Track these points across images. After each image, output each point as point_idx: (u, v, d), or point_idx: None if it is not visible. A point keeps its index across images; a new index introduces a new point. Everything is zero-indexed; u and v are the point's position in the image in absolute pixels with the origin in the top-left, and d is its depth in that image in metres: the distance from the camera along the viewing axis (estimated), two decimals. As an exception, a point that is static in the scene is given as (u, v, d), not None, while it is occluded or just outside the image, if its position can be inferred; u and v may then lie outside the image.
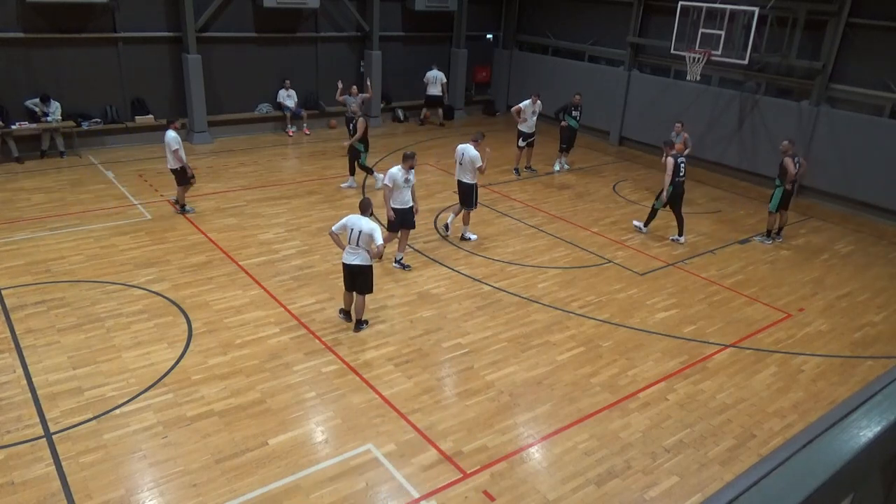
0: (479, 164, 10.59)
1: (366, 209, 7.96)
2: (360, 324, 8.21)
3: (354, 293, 8.09)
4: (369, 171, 13.33)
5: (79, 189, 12.40)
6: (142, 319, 8.13)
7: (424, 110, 19.30)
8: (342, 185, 13.38)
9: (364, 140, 12.91)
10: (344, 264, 7.96)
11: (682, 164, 11.28)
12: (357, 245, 7.77)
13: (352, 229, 7.75)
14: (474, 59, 20.15)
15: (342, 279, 8.16)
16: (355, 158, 13.12)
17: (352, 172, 13.34)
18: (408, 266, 9.98)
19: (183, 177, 11.29)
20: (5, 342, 7.50)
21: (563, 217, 12.48)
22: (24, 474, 5.61)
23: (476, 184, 10.92)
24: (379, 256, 8.20)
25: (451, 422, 6.63)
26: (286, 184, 13.45)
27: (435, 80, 18.76)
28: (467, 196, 10.89)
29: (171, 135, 10.97)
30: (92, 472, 5.68)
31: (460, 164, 10.81)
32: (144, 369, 7.15)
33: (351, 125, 13.31)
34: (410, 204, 9.62)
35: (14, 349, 7.37)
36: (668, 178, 11.09)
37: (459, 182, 10.93)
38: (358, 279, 7.97)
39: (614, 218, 12.66)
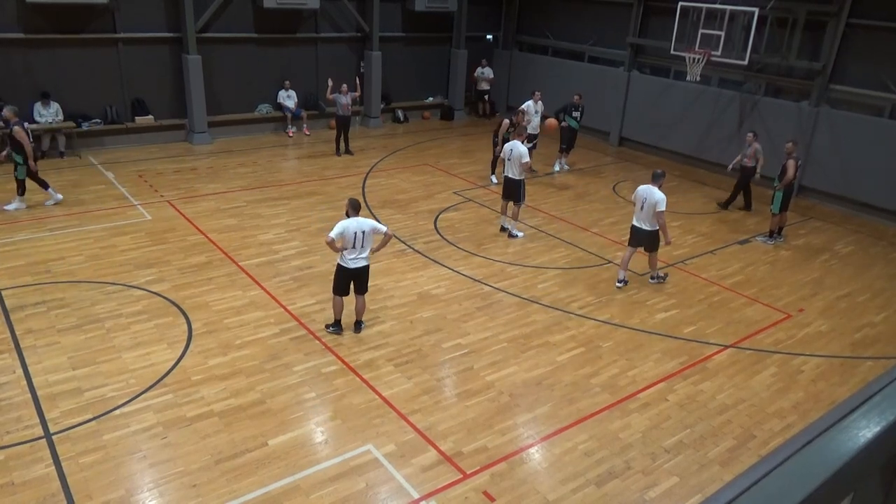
0: (526, 160, 10.97)
1: (358, 208, 7.72)
2: (360, 324, 8.18)
3: (355, 296, 7.97)
4: (43, 184, 11.34)
5: (79, 189, 12.40)
6: (142, 320, 8.13)
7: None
8: (6, 207, 11.13)
9: (22, 151, 10.86)
10: (347, 270, 7.70)
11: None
12: (363, 246, 7.63)
13: (355, 232, 7.51)
14: (474, 60, 20.13)
15: (334, 286, 7.91)
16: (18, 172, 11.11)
17: (21, 192, 11.24)
18: (662, 278, 9.98)
19: None
20: (5, 343, 7.50)
21: (563, 217, 12.47)
22: (24, 475, 5.61)
23: (524, 179, 11.22)
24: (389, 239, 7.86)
25: (450, 422, 6.63)
26: (286, 184, 13.45)
27: (482, 75, 19.92)
28: (515, 191, 11.21)
29: None
30: (92, 473, 5.68)
31: (508, 160, 11.11)
32: (144, 370, 7.15)
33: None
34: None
35: (14, 350, 7.37)
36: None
37: (507, 178, 11.25)
38: (360, 280, 7.88)
39: (614, 218, 12.66)
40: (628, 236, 9.85)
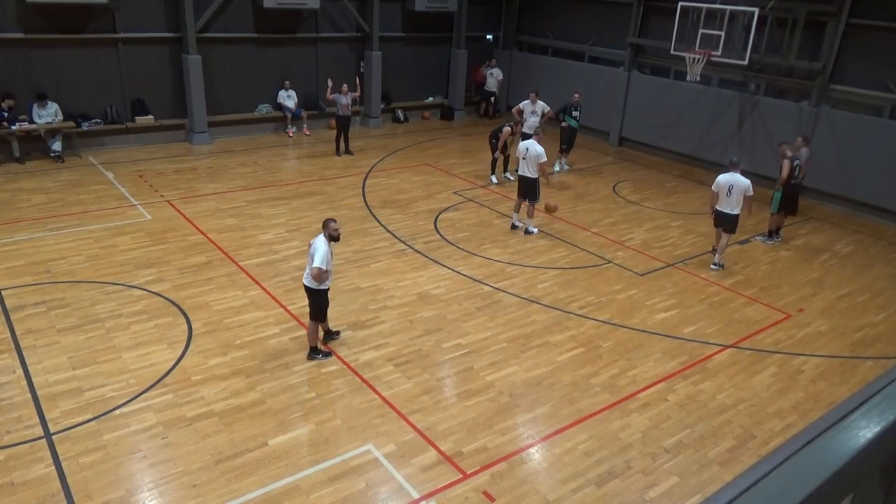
0: (543, 160, 11.08)
1: (324, 227, 7.21)
2: (312, 351, 7.52)
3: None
4: None
5: (79, 189, 12.40)
6: (142, 320, 8.13)
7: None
8: None
9: None
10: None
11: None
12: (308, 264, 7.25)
13: (308, 247, 7.30)
14: (474, 60, 20.14)
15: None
16: None
17: None
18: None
19: None
20: (5, 343, 7.50)
21: (563, 217, 12.47)
22: (24, 475, 5.61)
23: (539, 178, 11.33)
24: (317, 280, 7.07)
25: (450, 422, 6.63)
26: (286, 184, 13.45)
27: (491, 75, 19.97)
28: (531, 190, 11.36)
29: None
30: (92, 473, 5.69)
31: (524, 159, 11.21)
32: (144, 370, 7.15)
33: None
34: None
35: (14, 350, 7.37)
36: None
37: (522, 177, 11.37)
38: (309, 299, 7.37)
39: (614, 219, 12.66)
40: (713, 220, 10.57)
